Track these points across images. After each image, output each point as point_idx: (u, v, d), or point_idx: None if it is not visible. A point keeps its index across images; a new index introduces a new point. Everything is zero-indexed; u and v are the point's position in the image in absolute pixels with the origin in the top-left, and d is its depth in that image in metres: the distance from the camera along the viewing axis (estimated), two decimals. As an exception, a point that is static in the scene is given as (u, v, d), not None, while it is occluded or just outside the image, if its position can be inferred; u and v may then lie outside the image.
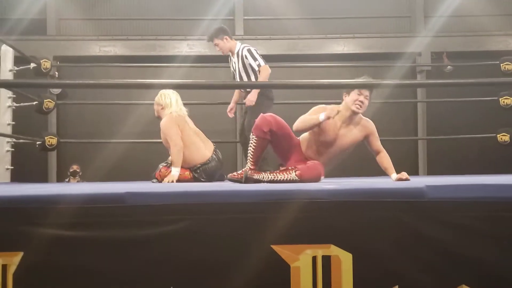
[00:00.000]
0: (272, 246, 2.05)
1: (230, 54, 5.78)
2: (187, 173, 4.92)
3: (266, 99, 5.50)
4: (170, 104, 4.97)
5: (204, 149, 5.04)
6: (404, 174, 3.83)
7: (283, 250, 2.05)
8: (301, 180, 3.76)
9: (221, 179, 5.08)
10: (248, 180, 3.82)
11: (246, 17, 10.64)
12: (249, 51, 5.59)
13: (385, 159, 4.04)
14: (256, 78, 5.52)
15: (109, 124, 9.13)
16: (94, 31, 10.34)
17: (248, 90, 5.58)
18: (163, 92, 5.01)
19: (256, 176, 3.84)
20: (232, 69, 5.84)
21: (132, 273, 2.02)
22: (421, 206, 2.13)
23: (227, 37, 5.67)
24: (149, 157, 5.49)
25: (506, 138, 6.40)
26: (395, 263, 2.08)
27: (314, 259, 2.05)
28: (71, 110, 9.87)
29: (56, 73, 8.14)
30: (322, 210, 2.11)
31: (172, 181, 4.73)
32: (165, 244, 2.04)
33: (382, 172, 4.09)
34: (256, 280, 2.05)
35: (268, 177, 3.84)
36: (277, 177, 3.82)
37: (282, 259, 2.05)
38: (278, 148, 4.08)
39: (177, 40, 10.25)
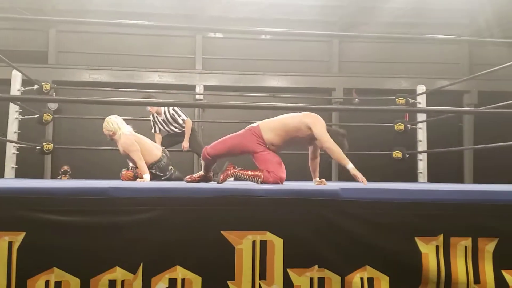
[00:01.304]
0: (221, 232, 2.03)
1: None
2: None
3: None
4: (118, 127, 4.86)
5: (155, 150, 5.03)
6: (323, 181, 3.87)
7: (229, 235, 2.03)
8: (262, 182, 3.65)
9: (179, 179, 5.05)
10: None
11: (204, 56, 10.61)
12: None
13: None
14: None
15: (94, 134, 8.88)
16: (85, 61, 10.14)
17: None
18: (108, 119, 4.91)
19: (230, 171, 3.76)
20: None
21: (112, 251, 1.97)
22: (336, 203, 2.13)
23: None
24: (126, 161, 5.43)
25: (399, 155, 6.55)
26: (315, 247, 2.07)
27: (253, 242, 2.03)
28: (64, 122, 9.67)
29: (54, 93, 7.90)
30: (261, 204, 2.10)
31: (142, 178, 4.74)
32: (139, 228, 2.00)
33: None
34: (209, 258, 2.01)
35: (237, 174, 3.75)
36: (245, 174, 3.71)
37: (229, 242, 2.03)
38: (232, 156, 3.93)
39: (150, 71, 10.14)
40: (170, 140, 6.05)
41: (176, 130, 5.93)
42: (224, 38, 10.68)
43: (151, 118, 5.98)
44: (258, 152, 3.75)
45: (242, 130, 3.84)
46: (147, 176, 4.72)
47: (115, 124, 4.87)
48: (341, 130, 4.08)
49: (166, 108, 5.83)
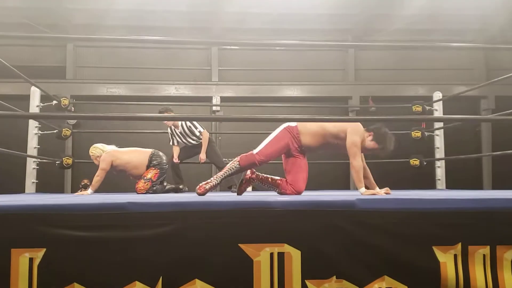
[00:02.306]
0: (239, 244, 2.04)
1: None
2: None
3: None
4: (101, 150, 5.44)
5: (143, 154, 5.57)
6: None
7: (247, 248, 2.04)
8: (280, 193, 3.68)
9: (175, 191, 5.60)
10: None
11: (220, 68, 10.69)
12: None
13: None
14: None
15: (113, 148, 9.08)
16: (103, 76, 10.29)
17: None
18: (94, 148, 5.50)
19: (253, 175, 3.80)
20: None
21: (131, 266, 1.99)
22: (353, 214, 2.14)
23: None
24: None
25: (416, 162, 6.51)
26: (333, 258, 2.07)
27: (271, 255, 2.04)
28: (83, 137, 9.78)
29: (73, 108, 8.06)
30: (278, 216, 2.10)
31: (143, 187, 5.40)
32: (158, 242, 2.02)
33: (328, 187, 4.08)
34: (226, 271, 2.03)
35: (260, 177, 3.79)
36: (265, 179, 3.73)
37: (246, 255, 2.04)
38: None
39: (167, 84, 10.24)
40: (188, 152, 6.11)
41: (193, 142, 5.99)
42: (239, 49, 10.76)
43: (169, 131, 6.05)
44: (294, 154, 3.76)
45: (281, 130, 3.81)
46: (90, 191, 5.24)
47: (98, 149, 5.44)
48: (390, 137, 3.89)
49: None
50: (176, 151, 6.02)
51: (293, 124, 3.79)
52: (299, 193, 3.67)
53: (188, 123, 5.87)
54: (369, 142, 3.75)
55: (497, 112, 8.27)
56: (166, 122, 5.94)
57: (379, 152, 3.76)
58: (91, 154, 5.42)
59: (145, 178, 5.36)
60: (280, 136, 3.79)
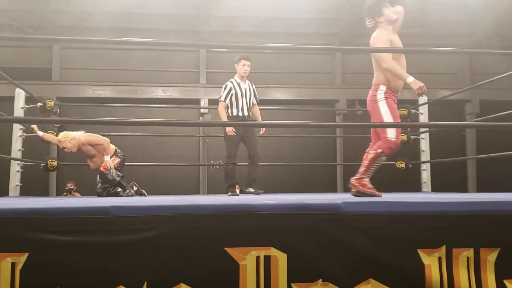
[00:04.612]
0: (225, 248, 2.04)
1: (241, 81, 5.34)
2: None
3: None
4: (74, 134, 5.30)
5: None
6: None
7: (233, 252, 2.04)
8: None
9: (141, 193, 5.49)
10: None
11: (208, 70, 10.67)
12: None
13: None
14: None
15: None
16: (89, 77, 10.24)
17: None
18: (64, 133, 5.34)
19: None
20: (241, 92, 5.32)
21: (116, 270, 1.97)
22: (339, 217, 2.14)
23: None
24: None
25: (402, 165, 6.54)
26: (319, 261, 2.08)
27: (257, 258, 2.04)
28: (69, 139, 9.72)
29: (58, 110, 7.99)
30: (264, 219, 2.10)
31: (109, 164, 5.29)
32: (142, 246, 2.00)
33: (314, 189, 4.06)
34: (212, 275, 2.02)
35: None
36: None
37: (233, 258, 2.03)
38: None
39: (154, 86, 10.20)
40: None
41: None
42: (228, 51, 10.75)
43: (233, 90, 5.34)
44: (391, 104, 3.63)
45: (382, 100, 3.60)
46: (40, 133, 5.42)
47: (69, 135, 5.27)
48: None
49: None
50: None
51: (380, 88, 3.63)
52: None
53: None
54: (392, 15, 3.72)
55: (481, 116, 8.37)
56: None
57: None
58: (63, 139, 5.25)
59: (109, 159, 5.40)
60: (389, 104, 3.61)
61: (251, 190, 5.05)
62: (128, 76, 10.29)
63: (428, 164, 6.57)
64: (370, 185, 3.56)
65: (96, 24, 9.39)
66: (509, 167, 9.03)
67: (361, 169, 3.60)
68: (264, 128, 5.57)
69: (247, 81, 5.39)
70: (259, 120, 5.45)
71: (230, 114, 5.21)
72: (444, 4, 9.53)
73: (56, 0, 9.39)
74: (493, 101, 9.53)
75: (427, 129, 6.56)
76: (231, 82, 5.34)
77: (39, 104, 6.15)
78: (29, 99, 6.21)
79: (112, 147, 5.50)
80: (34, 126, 5.73)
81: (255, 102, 5.45)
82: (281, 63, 10.64)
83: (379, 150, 3.55)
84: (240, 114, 5.21)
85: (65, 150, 5.33)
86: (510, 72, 4.68)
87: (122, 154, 5.59)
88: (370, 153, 3.59)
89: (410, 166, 6.57)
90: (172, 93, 10.20)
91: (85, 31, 9.48)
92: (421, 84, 3.47)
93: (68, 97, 9.57)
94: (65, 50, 10.36)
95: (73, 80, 10.19)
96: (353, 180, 3.61)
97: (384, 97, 3.62)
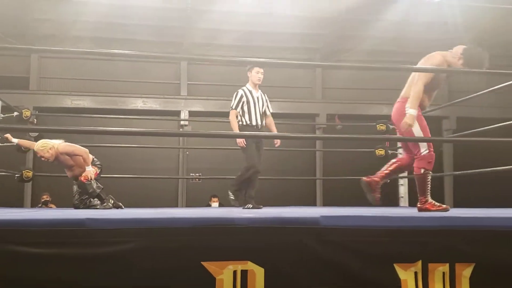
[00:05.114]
0: (202, 262, 2.02)
1: (254, 89, 5.14)
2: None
3: None
4: (52, 143, 5.21)
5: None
6: None
7: (210, 266, 2.02)
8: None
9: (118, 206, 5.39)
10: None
11: (189, 82, 10.66)
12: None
13: None
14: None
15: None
16: (68, 87, 10.12)
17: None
18: (43, 141, 5.28)
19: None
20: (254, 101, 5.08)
21: (90, 284, 1.93)
22: (317, 231, 2.14)
23: None
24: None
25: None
26: (296, 276, 2.07)
27: (234, 272, 2.03)
28: (46, 149, 9.59)
29: (35, 120, 7.84)
30: (242, 233, 2.09)
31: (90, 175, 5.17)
32: (118, 260, 1.97)
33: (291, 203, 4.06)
34: (188, 289, 2.00)
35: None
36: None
37: (209, 272, 2.01)
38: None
39: (134, 97, 10.13)
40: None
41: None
42: (209, 64, 10.77)
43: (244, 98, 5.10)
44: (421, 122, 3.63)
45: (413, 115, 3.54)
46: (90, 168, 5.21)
47: (48, 144, 5.19)
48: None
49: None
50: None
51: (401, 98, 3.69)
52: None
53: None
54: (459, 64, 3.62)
55: (458, 132, 8.51)
56: None
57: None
58: (41, 148, 5.15)
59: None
60: (420, 120, 3.61)
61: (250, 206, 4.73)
62: (107, 87, 10.19)
63: (406, 179, 6.64)
64: (436, 204, 3.60)
65: (78, 34, 9.32)
66: (485, 184, 9.20)
67: (420, 194, 3.62)
68: (279, 141, 5.32)
69: (259, 90, 5.17)
70: (273, 129, 5.18)
71: (242, 123, 4.91)
72: (423, 23, 9.73)
73: (38, 9, 9.32)
74: (470, 118, 9.69)
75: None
76: (243, 90, 5.08)
77: (16, 113, 6.05)
78: (5, 108, 6.12)
79: (90, 157, 5.42)
80: (8, 135, 5.63)
81: (268, 113, 5.19)
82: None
83: (422, 170, 3.58)
84: (253, 123, 4.91)
85: (42, 159, 5.25)
86: (486, 90, 4.79)
87: (99, 163, 5.51)
88: (416, 173, 3.62)
89: (388, 181, 6.62)
90: (152, 104, 10.15)
91: (66, 40, 9.40)
92: (410, 123, 3.51)
93: (46, 107, 9.45)
94: (44, 59, 10.24)
95: (52, 90, 10.06)
96: (420, 206, 3.62)
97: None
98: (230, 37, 10.05)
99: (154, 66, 10.44)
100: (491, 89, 4.73)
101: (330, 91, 11.03)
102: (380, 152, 6.56)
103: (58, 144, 5.22)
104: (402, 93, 3.77)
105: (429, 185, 3.62)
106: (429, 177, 3.61)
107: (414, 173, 3.66)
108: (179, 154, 10.21)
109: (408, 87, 3.72)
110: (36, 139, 7.73)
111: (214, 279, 2.00)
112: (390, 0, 9.16)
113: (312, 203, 9.89)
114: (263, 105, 5.09)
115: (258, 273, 2.04)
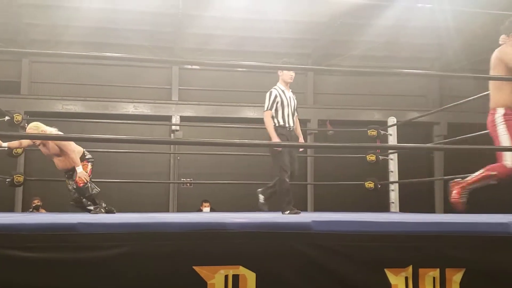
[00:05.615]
0: (193, 267, 2.02)
1: (285, 88, 4.89)
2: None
3: None
4: (44, 128, 5.05)
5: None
6: None
7: (202, 270, 2.02)
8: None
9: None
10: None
11: (180, 87, 10.65)
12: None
13: None
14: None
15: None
16: (59, 92, 10.08)
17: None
18: (35, 123, 5.10)
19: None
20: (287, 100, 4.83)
21: (80, 287, 1.93)
22: (308, 236, 2.15)
23: None
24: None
25: (371, 185, 6.62)
26: (288, 281, 2.08)
27: (226, 277, 2.03)
28: (36, 154, 9.51)
29: (26, 124, 7.80)
30: (233, 238, 2.10)
31: (85, 177, 5.01)
32: (109, 264, 1.97)
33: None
34: (180, 294, 1.99)
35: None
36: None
37: (201, 277, 2.01)
38: None
39: (125, 102, 10.11)
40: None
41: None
42: (201, 69, 10.78)
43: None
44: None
45: (504, 125, 3.38)
46: (80, 169, 5.02)
47: (40, 127, 5.05)
48: None
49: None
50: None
51: (498, 111, 3.40)
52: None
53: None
54: None
55: (449, 138, 8.57)
56: None
57: None
58: (34, 128, 5.06)
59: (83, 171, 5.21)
60: (510, 126, 3.37)
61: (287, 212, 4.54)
62: (99, 92, 10.16)
63: (397, 185, 6.67)
64: (463, 198, 3.49)
65: (70, 39, 9.29)
66: (475, 190, 9.23)
67: (469, 178, 3.48)
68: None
69: (290, 90, 4.94)
70: (299, 132, 4.92)
71: (274, 124, 4.66)
72: (414, 28, 9.80)
73: (30, 14, 9.29)
74: (460, 124, 9.77)
75: (395, 150, 6.68)
76: (276, 89, 4.83)
77: (7, 118, 6.03)
78: (-4, 113, 6.10)
79: (80, 149, 5.31)
80: None
81: (296, 113, 4.92)
82: (254, 81, 10.69)
83: (493, 172, 3.43)
84: (287, 124, 4.67)
85: (32, 142, 5.13)
86: (477, 96, 4.82)
87: (91, 157, 5.33)
88: (483, 170, 3.45)
89: (379, 186, 6.66)
90: (143, 109, 10.14)
91: (57, 45, 9.36)
92: None
93: (37, 112, 9.39)
94: (35, 63, 10.20)
95: (43, 95, 10.01)
96: (453, 182, 3.51)
97: (504, 120, 3.40)
98: (222, 42, 10.07)
99: (145, 71, 10.43)
100: (481, 94, 4.76)
101: (322, 96, 11.07)
102: (371, 157, 6.58)
103: (50, 130, 5.08)
104: (490, 104, 3.51)
105: (478, 186, 3.51)
106: (488, 182, 3.48)
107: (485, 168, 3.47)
108: (170, 159, 10.20)
109: (493, 93, 3.49)
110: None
111: (206, 283, 2.01)
112: (382, 5, 9.23)
113: (303, 208, 9.89)
114: (294, 106, 4.86)
115: (249, 277, 2.04)
